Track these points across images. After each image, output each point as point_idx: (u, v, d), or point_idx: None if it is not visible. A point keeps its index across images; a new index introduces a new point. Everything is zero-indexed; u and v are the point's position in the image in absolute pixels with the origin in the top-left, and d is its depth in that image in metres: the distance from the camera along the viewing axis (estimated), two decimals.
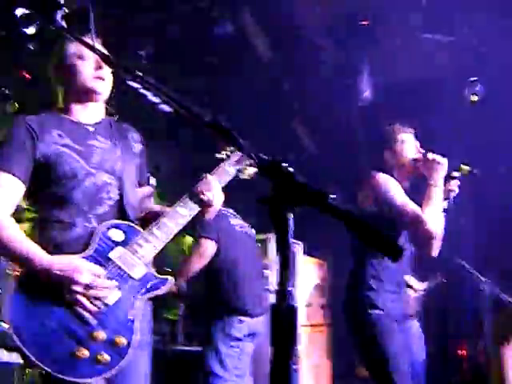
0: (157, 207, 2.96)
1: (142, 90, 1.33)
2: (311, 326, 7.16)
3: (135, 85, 1.28)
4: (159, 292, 2.67)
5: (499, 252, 7.06)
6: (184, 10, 6.87)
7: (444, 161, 3.76)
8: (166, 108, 1.54)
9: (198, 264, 4.63)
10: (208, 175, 2.78)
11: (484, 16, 6.29)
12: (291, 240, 1.20)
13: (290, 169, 1.22)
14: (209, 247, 4.58)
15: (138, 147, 2.93)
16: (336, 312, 7.31)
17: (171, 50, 7.25)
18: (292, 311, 1.15)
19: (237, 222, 4.86)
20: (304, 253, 7.11)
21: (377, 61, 7.23)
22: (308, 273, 7.33)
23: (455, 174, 3.89)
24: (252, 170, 3.02)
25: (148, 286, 2.63)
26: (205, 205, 2.72)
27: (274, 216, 1.21)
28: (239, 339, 4.50)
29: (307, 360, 6.95)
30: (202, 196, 2.69)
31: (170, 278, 2.69)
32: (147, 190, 2.99)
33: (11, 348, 4.39)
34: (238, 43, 7.05)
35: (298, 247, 6.98)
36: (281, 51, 7.27)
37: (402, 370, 3.59)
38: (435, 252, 3.84)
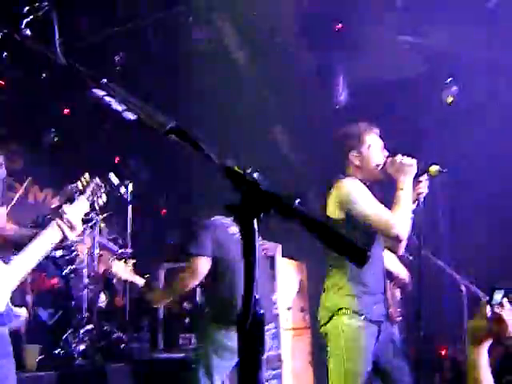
0: (7, 230, 3.08)
1: (106, 98, 1.32)
2: (292, 329, 7.15)
3: (100, 92, 1.28)
4: (16, 325, 2.91)
5: (475, 252, 7.11)
6: (160, 16, 6.88)
7: (413, 162, 3.73)
8: (129, 116, 1.52)
9: (191, 282, 4.58)
10: (66, 207, 2.98)
11: (457, 17, 6.34)
12: (258, 247, 1.19)
13: (255, 176, 1.21)
14: (202, 264, 4.50)
15: (2, 173, 3.09)
16: (313, 315, 7.30)
17: (146, 55, 7.25)
18: (258, 319, 1.14)
19: (236, 230, 4.75)
20: (283, 255, 7.09)
21: (352, 63, 7.26)
22: (288, 276, 7.32)
23: (424, 175, 3.86)
24: (104, 199, 3.28)
25: (8, 319, 2.77)
26: (65, 232, 2.92)
27: (241, 223, 1.21)
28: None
29: (289, 363, 6.93)
30: (63, 225, 2.90)
31: (24, 311, 2.90)
32: (3, 211, 3.15)
33: None
34: (214, 49, 7.06)
35: (277, 250, 6.96)
36: (256, 56, 7.28)
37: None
38: (401, 251, 3.85)
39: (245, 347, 1.14)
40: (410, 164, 3.72)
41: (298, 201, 1.18)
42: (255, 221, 1.19)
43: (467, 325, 2.42)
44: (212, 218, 4.72)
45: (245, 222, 1.19)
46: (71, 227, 2.93)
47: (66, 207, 2.97)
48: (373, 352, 3.66)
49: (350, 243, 1.13)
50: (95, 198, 3.18)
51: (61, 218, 2.92)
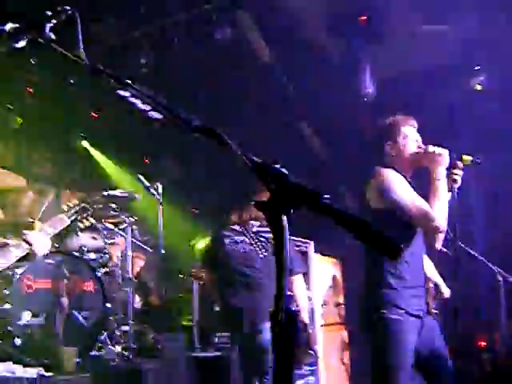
0: None
1: (131, 98, 1.32)
2: (327, 325, 7.12)
3: (124, 93, 1.28)
4: None
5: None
6: (184, 15, 6.89)
7: (445, 152, 3.71)
8: (155, 115, 1.52)
9: None
10: (38, 223, 3.69)
11: (484, 5, 6.24)
12: (288, 243, 1.17)
13: (283, 170, 1.19)
14: None
15: None
16: (350, 311, 7.27)
17: (171, 56, 7.26)
18: (291, 316, 1.12)
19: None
20: (316, 251, 7.07)
21: (379, 55, 7.19)
22: (322, 271, 7.30)
23: (458, 164, 3.82)
24: (92, 221, 3.92)
25: None
26: (34, 249, 3.34)
27: (270, 220, 1.19)
28: None
29: (325, 359, 6.91)
30: (28, 239, 3.30)
31: None
32: None
33: (26, 364, 4.42)
34: (238, 47, 7.05)
35: (309, 246, 6.95)
36: (281, 52, 7.25)
37: (404, 377, 3.58)
38: (439, 244, 3.80)
39: (278, 344, 1.12)
40: (443, 154, 3.70)
41: (327, 196, 1.15)
42: (285, 217, 1.17)
43: None
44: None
45: (274, 218, 1.17)
46: (37, 247, 3.33)
47: (28, 232, 3.38)
48: (415, 346, 3.63)
49: (383, 237, 1.11)
50: (78, 218, 3.75)
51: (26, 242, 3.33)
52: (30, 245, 3.30)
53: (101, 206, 4.29)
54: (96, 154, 9.04)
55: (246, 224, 5.07)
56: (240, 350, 5.02)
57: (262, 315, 4.69)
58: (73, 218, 3.70)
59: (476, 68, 7.08)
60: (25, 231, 3.34)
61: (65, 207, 3.72)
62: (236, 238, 5.05)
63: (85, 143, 8.95)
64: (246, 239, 5.00)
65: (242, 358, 4.92)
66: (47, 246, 3.44)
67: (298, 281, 5.13)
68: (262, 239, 5.00)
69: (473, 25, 6.57)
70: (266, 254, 4.94)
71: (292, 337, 1.11)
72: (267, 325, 4.57)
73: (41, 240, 3.37)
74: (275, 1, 6.73)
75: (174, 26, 6.99)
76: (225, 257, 5.02)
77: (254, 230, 5.04)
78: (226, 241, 5.05)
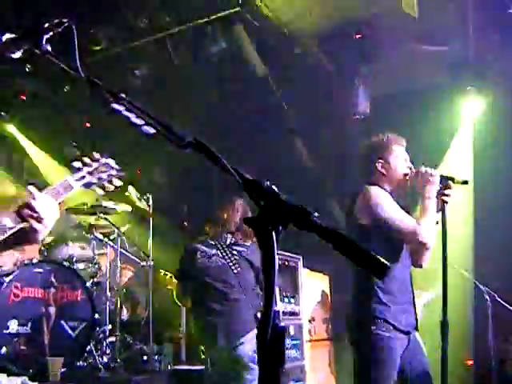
0: None
1: (125, 112, 1.31)
2: (315, 340, 7.10)
3: (118, 107, 1.29)
4: None
5: (497, 260, 7.04)
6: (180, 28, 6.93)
7: (436, 173, 3.77)
8: (148, 130, 1.50)
9: None
10: (36, 191, 2.39)
11: (476, 25, 6.31)
12: (277, 260, 1.18)
13: (274, 188, 1.21)
14: None
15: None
16: (336, 326, 7.26)
17: (166, 68, 7.29)
18: (279, 331, 1.13)
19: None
20: (305, 266, 7.06)
21: (372, 74, 7.24)
22: (311, 287, 7.28)
23: (449, 185, 3.87)
24: (117, 183, 2.71)
25: None
26: (30, 220, 2.34)
27: (259, 236, 1.20)
28: None
29: (312, 375, 6.88)
30: (26, 211, 2.34)
31: None
32: None
33: (11, 373, 4.40)
34: (232, 60, 7.08)
35: (298, 261, 6.94)
36: (276, 67, 7.29)
37: None
38: (426, 263, 3.85)
39: (265, 360, 1.13)
40: (434, 174, 3.76)
41: (316, 214, 1.17)
42: (273, 233, 1.18)
43: None
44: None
45: (263, 234, 1.18)
46: (38, 219, 2.33)
47: (37, 193, 2.38)
48: (400, 360, 3.66)
49: (370, 255, 1.12)
50: (95, 181, 2.58)
51: (28, 207, 2.34)
52: (32, 217, 2.31)
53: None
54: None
55: (219, 237, 5.00)
56: (214, 365, 4.90)
57: (236, 330, 4.67)
58: (85, 180, 2.55)
59: (468, 88, 7.14)
60: (30, 199, 2.33)
61: (77, 164, 2.56)
62: (208, 251, 4.94)
63: (77, 152, 8.90)
64: (219, 253, 4.90)
65: (216, 373, 4.82)
66: (54, 216, 2.39)
67: None
68: (234, 253, 4.91)
69: (465, 46, 6.65)
70: (239, 269, 4.87)
71: (280, 353, 1.12)
72: (242, 339, 4.59)
73: (47, 209, 2.36)
74: (270, 17, 6.78)
75: (169, 39, 7.02)
76: (197, 271, 4.91)
77: (228, 243, 4.96)
78: (198, 254, 4.94)
